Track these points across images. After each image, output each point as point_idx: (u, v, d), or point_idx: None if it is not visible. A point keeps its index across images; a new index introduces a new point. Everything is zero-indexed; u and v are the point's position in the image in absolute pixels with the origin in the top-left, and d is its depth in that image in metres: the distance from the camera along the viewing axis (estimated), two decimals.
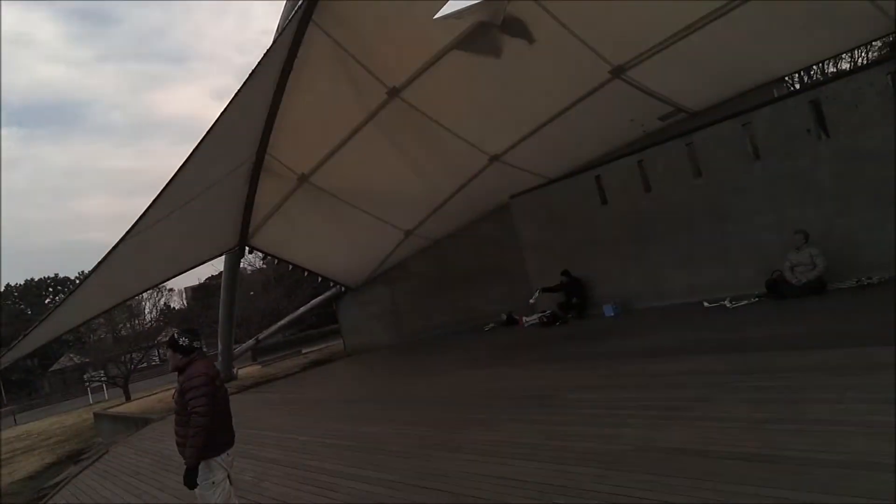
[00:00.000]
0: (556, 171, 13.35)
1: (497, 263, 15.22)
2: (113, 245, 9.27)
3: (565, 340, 10.60)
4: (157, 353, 47.58)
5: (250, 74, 8.20)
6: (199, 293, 51.76)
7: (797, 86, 19.24)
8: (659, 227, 11.25)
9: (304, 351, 28.49)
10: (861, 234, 8.62)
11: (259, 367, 23.67)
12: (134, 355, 36.22)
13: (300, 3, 8.63)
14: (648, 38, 9.85)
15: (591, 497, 3.79)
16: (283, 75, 9.77)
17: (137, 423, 13.96)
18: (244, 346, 19.98)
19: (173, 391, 4.37)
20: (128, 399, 29.19)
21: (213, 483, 4.06)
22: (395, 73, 10.54)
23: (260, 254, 17.48)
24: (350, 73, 10.23)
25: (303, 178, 12.72)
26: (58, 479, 13.43)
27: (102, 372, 40.31)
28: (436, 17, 7.38)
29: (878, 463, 3.21)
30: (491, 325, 14.93)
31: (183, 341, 4.17)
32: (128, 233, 9.21)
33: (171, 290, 53.90)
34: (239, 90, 8.30)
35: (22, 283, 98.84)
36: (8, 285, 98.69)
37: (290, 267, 16.89)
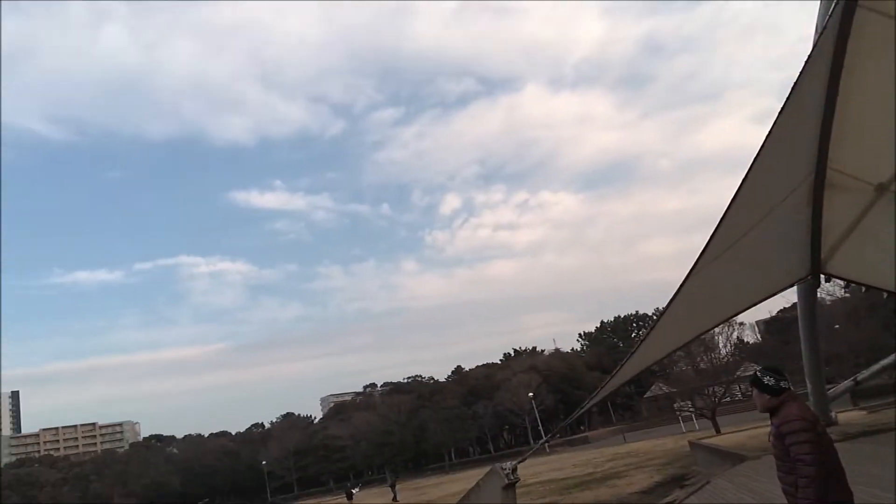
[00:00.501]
0: None
1: None
2: (679, 283, 9.91)
3: None
4: (738, 388, 47.25)
5: (793, 86, 7.55)
6: (773, 326, 49.18)
7: None
8: None
9: None
10: None
11: (863, 412, 20.49)
12: (716, 389, 37.03)
13: None
14: None
15: None
16: (832, 78, 8.58)
17: (733, 458, 14.16)
18: (840, 387, 17.61)
19: (768, 434, 4.22)
20: (717, 432, 30.01)
21: None
22: None
23: (840, 281, 15.36)
24: None
25: (881, 189, 10.63)
26: (668, 499, 14.85)
27: (689, 402, 42.61)
28: None
29: None
30: None
31: (768, 380, 4.02)
32: (691, 271, 9.68)
33: (741, 323, 53.11)
34: (783, 106, 7.75)
35: (612, 319, 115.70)
36: (602, 322, 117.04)
37: (885, 295, 14.17)
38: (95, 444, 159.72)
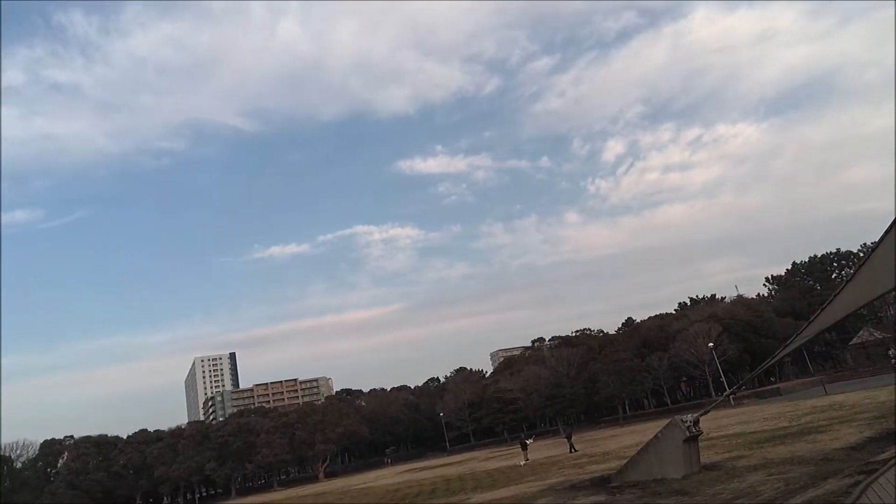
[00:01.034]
0: None
1: None
2: None
3: None
4: None
5: None
6: None
7: None
8: None
9: None
10: None
11: None
12: None
13: None
14: None
15: None
16: None
17: None
18: None
19: None
20: None
21: None
22: None
23: None
24: None
25: None
26: (883, 455, 12.89)
27: None
28: None
29: None
30: None
31: None
32: None
33: None
34: None
35: (806, 259, 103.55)
36: (794, 263, 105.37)
37: None
38: (297, 397, 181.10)
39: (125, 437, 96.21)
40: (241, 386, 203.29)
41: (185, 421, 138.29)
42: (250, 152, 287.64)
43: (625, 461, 18.82)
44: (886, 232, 8.83)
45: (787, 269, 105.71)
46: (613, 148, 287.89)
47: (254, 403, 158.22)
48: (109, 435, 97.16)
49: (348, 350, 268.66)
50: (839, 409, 27.84)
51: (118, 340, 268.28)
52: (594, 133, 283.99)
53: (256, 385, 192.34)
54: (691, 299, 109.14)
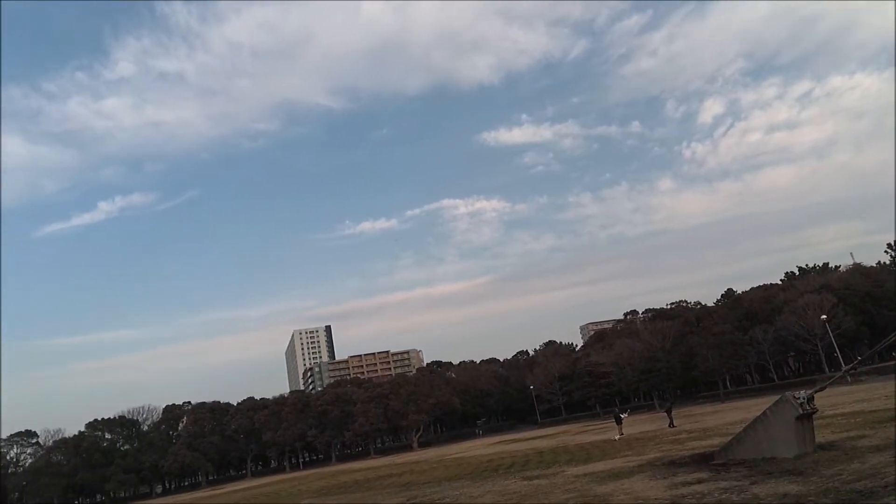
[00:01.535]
0: None
1: None
2: None
3: None
4: None
5: None
6: None
7: None
8: None
9: None
10: None
11: None
12: None
13: None
14: None
15: None
16: None
17: None
18: None
19: None
20: None
21: None
22: None
23: None
24: None
25: None
26: None
27: None
28: None
29: None
30: None
31: None
32: None
33: None
34: None
35: None
36: None
37: None
38: (389, 368, 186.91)
39: (235, 404, 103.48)
40: (337, 357, 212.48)
41: (287, 390, 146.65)
42: (339, 130, 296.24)
43: (728, 438, 17.81)
44: None
45: None
46: (711, 108, 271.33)
47: (349, 374, 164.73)
48: (222, 402, 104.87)
49: (437, 323, 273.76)
50: None
51: (224, 315, 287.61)
52: (689, 93, 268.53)
53: (351, 357, 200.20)
54: (800, 268, 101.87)
